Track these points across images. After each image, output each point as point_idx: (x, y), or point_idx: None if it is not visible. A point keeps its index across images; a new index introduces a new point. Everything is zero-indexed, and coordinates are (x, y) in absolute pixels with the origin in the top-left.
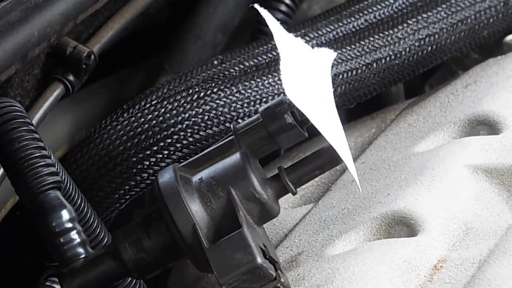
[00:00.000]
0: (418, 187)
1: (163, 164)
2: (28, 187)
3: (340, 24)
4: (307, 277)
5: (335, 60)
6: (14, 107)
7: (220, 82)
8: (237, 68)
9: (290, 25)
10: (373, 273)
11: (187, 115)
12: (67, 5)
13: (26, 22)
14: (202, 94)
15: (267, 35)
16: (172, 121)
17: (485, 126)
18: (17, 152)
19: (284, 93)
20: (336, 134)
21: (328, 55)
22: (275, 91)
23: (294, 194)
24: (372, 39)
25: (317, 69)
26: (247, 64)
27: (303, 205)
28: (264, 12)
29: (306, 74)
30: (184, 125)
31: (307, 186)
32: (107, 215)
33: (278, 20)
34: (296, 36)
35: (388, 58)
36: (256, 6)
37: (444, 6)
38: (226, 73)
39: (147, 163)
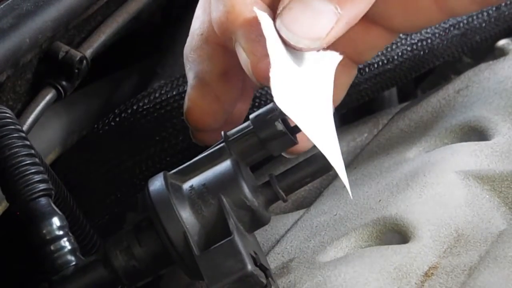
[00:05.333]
0: (409, 194)
1: (154, 169)
2: (18, 195)
3: None
4: (298, 284)
5: None
6: (4, 114)
7: None
8: None
9: None
10: (364, 280)
11: (179, 120)
12: (58, 12)
13: (17, 28)
14: None
15: None
16: (164, 126)
17: (477, 131)
18: (7, 159)
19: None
20: (328, 143)
21: (333, 57)
22: (268, 96)
23: (285, 201)
24: None
25: (319, 71)
26: None
27: (295, 210)
28: (261, 15)
29: (304, 77)
30: (176, 130)
31: (299, 191)
32: (99, 220)
33: None
34: None
35: (380, 63)
36: (255, 9)
37: None
38: None
39: (139, 168)
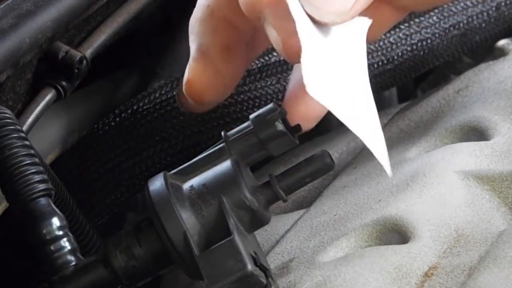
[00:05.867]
0: (409, 194)
1: (154, 169)
2: (18, 195)
3: None
4: (298, 284)
5: None
6: (3, 114)
7: None
8: None
9: None
10: (364, 280)
11: (178, 120)
12: (58, 12)
13: (17, 28)
14: None
15: None
16: (164, 126)
17: (477, 131)
18: (7, 159)
19: (274, 100)
20: (368, 127)
21: (362, 23)
22: (268, 96)
23: (285, 201)
24: None
25: (349, 42)
26: None
27: (295, 210)
28: None
29: (334, 52)
30: (176, 131)
31: (299, 191)
32: (98, 220)
33: None
34: None
35: (380, 63)
36: None
37: (436, 11)
38: None
39: (139, 168)
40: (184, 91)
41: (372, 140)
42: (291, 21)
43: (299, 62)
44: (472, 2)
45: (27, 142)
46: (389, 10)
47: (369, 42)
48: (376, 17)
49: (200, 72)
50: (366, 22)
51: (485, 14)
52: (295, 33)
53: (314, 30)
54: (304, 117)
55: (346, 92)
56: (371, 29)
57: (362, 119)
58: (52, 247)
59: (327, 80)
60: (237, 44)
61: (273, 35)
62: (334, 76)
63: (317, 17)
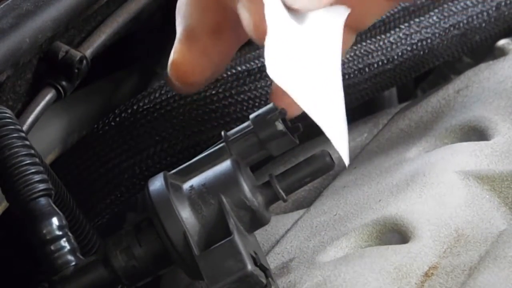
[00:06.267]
0: (409, 194)
1: (154, 169)
2: (18, 194)
3: None
4: (298, 284)
5: None
6: (3, 114)
7: (212, 87)
8: (229, 73)
9: None
10: (364, 280)
11: (178, 120)
12: (58, 12)
13: (17, 28)
14: (194, 98)
15: None
16: (164, 126)
17: (476, 131)
18: (7, 159)
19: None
20: (331, 118)
21: (340, 12)
22: (268, 96)
23: (285, 201)
24: (364, 44)
25: (324, 31)
26: (239, 68)
27: (295, 210)
28: None
29: (306, 40)
30: (176, 131)
31: (299, 191)
32: (98, 220)
33: None
34: None
35: (380, 63)
36: None
37: (436, 11)
38: (219, 77)
39: (139, 168)
40: (169, 73)
41: (332, 129)
42: (264, 4)
43: None
44: (472, 2)
45: (27, 142)
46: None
47: (358, 30)
48: (363, 4)
49: (185, 53)
50: (344, 11)
51: (485, 14)
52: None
53: (286, 16)
54: (289, 103)
55: (312, 79)
56: (359, 17)
57: (325, 107)
58: (52, 247)
59: (290, 65)
60: (225, 25)
61: (246, 17)
62: (300, 62)
63: (289, 2)
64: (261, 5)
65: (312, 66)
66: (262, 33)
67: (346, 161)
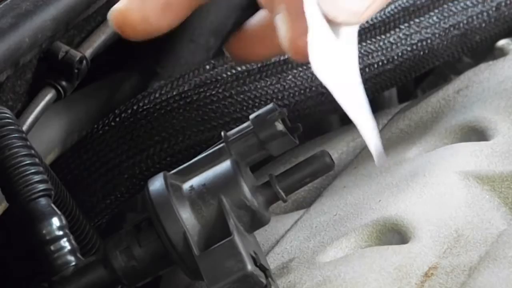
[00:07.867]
0: (409, 194)
1: (154, 169)
2: (18, 195)
3: None
4: (298, 284)
5: None
6: (3, 114)
7: (212, 87)
8: (229, 73)
9: None
10: (364, 280)
11: (178, 120)
12: (58, 12)
13: (17, 28)
14: (194, 99)
15: None
16: (164, 126)
17: (477, 132)
18: (7, 159)
19: (274, 100)
20: (364, 116)
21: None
22: (268, 96)
23: (284, 201)
24: (364, 44)
25: (345, 42)
26: (239, 69)
27: (295, 210)
28: None
29: (338, 51)
30: (176, 131)
31: (299, 191)
32: (98, 220)
33: None
34: None
35: (380, 63)
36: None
37: (436, 11)
38: (219, 78)
39: (139, 168)
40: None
41: (365, 126)
42: (303, 21)
43: (303, 60)
44: (472, 2)
45: (27, 142)
46: None
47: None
48: None
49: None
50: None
51: (485, 14)
52: (305, 33)
53: (325, 28)
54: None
55: (346, 81)
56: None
57: (358, 105)
58: (52, 247)
59: (331, 68)
60: None
61: (283, 32)
62: (337, 66)
63: (331, 15)
64: (299, 22)
65: (344, 69)
66: (296, 48)
67: (376, 159)
